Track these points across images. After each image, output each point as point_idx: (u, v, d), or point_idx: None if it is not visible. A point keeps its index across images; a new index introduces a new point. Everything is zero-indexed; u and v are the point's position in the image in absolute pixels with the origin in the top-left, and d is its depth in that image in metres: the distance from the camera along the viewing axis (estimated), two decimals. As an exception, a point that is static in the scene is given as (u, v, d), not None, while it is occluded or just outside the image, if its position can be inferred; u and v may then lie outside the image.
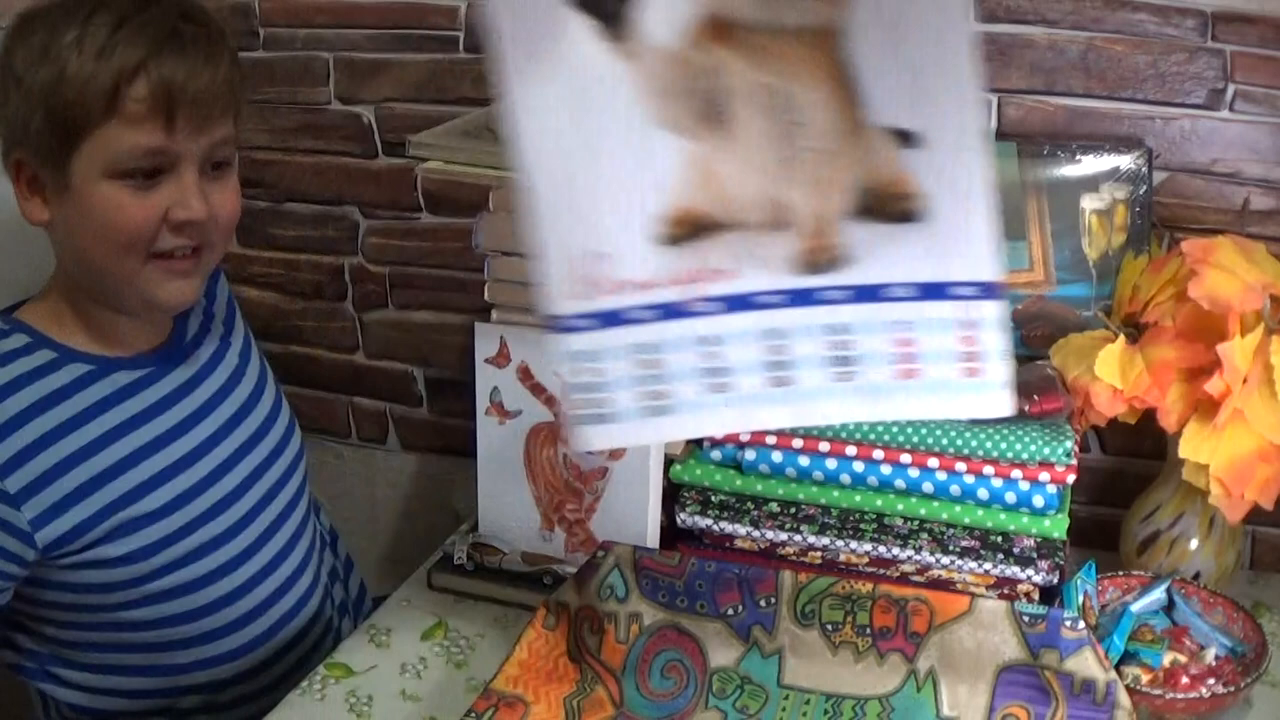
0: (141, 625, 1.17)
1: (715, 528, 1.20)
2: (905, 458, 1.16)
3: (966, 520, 1.16)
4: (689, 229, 0.84)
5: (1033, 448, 1.13)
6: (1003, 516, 1.15)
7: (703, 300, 0.84)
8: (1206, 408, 1.10)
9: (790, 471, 1.19)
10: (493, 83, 0.83)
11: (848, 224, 0.83)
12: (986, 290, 0.83)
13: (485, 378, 1.22)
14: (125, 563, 1.12)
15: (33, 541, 1.08)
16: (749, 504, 1.21)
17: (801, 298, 0.83)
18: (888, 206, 0.82)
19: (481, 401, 1.23)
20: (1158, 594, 1.16)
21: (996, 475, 1.15)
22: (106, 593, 1.14)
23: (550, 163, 0.83)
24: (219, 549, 1.18)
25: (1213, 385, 1.08)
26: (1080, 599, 1.08)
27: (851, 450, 1.17)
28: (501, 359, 1.21)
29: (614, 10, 0.79)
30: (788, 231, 0.83)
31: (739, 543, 1.20)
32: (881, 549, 1.16)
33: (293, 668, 1.26)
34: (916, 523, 1.17)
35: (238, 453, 1.22)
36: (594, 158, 0.83)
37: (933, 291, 0.83)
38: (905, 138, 0.81)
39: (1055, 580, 1.13)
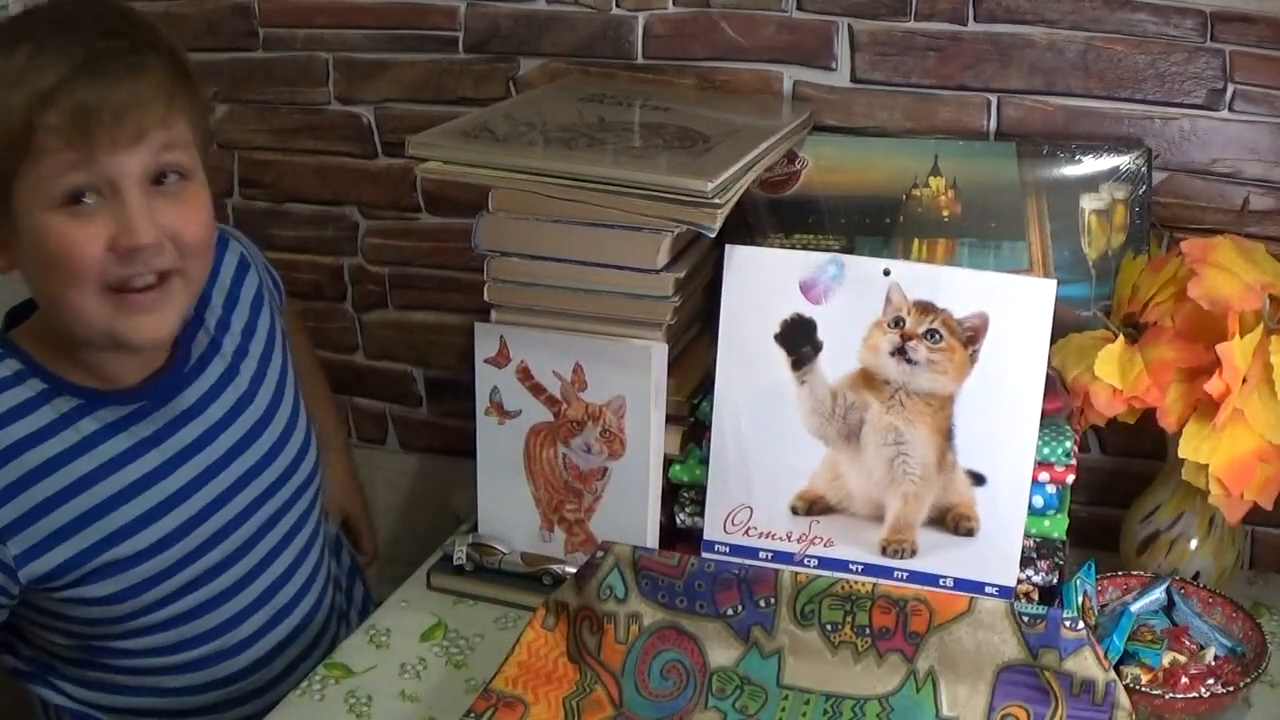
0: (131, 653, 1.16)
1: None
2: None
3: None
4: (813, 506, 1.16)
5: (1032, 448, 1.15)
6: (1002, 517, 1.17)
7: (807, 556, 1.15)
8: (1206, 408, 1.10)
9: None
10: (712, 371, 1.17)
11: (923, 529, 1.13)
12: (1004, 592, 1.12)
13: (485, 378, 1.22)
14: (109, 602, 1.11)
15: (16, 577, 1.07)
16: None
17: (874, 572, 1.13)
18: (955, 524, 1.13)
19: (481, 401, 1.23)
20: (1157, 594, 1.16)
21: (996, 476, 1.17)
22: (93, 625, 1.13)
23: (734, 435, 1.16)
24: (212, 581, 1.16)
25: (1212, 385, 1.08)
26: (1080, 599, 1.08)
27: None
28: (501, 359, 1.21)
29: (802, 354, 1.14)
30: (880, 524, 1.15)
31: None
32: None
33: (294, 687, 1.25)
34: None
35: (241, 479, 1.17)
36: (764, 443, 1.15)
37: (966, 587, 1.12)
38: (977, 478, 1.12)
39: (1055, 580, 1.14)
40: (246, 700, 1.22)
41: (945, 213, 1.29)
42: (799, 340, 1.14)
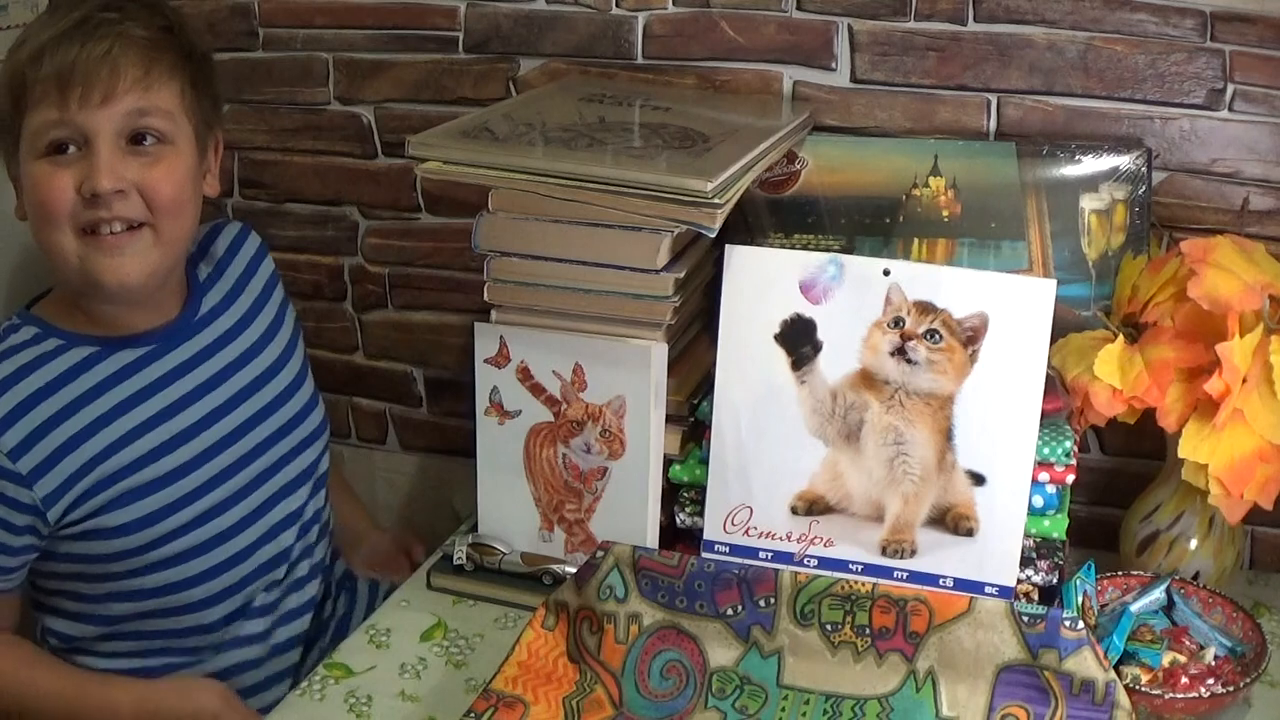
0: (144, 594, 1.21)
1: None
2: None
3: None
4: (812, 506, 1.15)
5: (1032, 448, 1.15)
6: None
7: (807, 557, 1.15)
8: (1206, 408, 1.10)
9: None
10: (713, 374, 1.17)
11: (922, 529, 1.13)
12: (1004, 592, 1.11)
13: (485, 378, 1.22)
14: (125, 532, 1.17)
15: (45, 518, 1.14)
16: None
17: (874, 572, 1.13)
18: (955, 524, 1.13)
19: (481, 401, 1.23)
20: (1157, 594, 1.16)
21: (996, 476, 1.17)
22: (109, 562, 1.18)
23: (734, 435, 1.16)
24: (220, 515, 1.22)
25: (1212, 385, 1.08)
26: (1079, 599, 1.08)
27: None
28: (501, 359, 1.21)
29: (802, 354, 1.14)
30: (879, 524, 1.14)
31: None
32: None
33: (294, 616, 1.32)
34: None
35: (247, 423, 1.26)
36: (763, 443, 1.15)
37: (965, 587, 1.11)
38: (977, 478, 1.12)
39: (1055, 580, 1.14)
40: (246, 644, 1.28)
41: (945, 213, 1.29)
42: (799, 340, 1.14)
